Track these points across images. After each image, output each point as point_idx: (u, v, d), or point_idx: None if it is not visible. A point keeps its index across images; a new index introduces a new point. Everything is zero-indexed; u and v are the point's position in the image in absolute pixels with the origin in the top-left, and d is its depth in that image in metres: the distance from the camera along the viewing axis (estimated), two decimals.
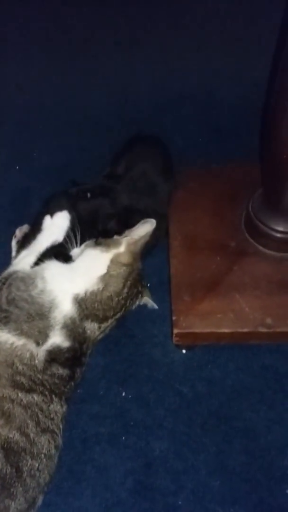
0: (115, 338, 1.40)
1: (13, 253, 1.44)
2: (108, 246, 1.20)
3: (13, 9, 2.39)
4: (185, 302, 1.38)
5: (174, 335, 1.34)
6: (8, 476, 0.96)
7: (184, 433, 1.26)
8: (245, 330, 1.33)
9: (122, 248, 1.18)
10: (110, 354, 1.37)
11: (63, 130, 1.92)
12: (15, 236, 1.46)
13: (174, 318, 1.35)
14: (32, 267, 1.21)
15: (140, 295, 1.24)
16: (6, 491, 0.96)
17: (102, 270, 1.15)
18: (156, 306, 1.30)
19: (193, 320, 1.34)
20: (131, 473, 1.20)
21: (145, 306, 1.30)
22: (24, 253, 1.29)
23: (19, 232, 1.47)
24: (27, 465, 0.99)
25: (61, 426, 1.08)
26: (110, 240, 1.24)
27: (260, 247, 1.47)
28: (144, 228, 1.20)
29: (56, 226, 1.29)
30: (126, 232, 1.25)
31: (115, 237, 1.26)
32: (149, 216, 1.28)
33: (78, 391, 1.26)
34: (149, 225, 1.20)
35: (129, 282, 1.18)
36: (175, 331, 1.34)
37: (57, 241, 1.25)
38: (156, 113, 2.02)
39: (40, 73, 2.11)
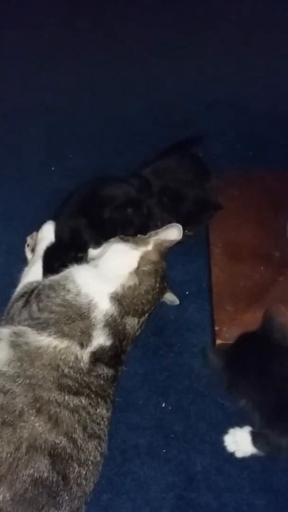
0: (153, 347, 1.42)
1: (29, 260, 1.48)
2: (136, 243, 1.29)
3: (54, 13, 2.49)
4: (227, 312, 1.40)
5: (216, 346, 1.35)
6: (54, 484, 0.97)
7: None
8: None
9: (150, 247, 1.27)
10: (149, 362, 1.38)
11: (98, 132, 1.96)
12: (28, 245, 1.50)
13: (216, 328, 1.37)
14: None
15: (165, 291, 1.31)
16: (51, 500, 0.96)
17: (133, 265, 1.24)
18: (178, 301, 1.35)
19: (236, 332, 1.34)
20: (172, 488, 1.20)
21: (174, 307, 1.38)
22: (30, 263, 1.39)
23: (31, 240, 1.51)
24: (74, 472, 1.00)
25: (106, 432, 1.09)
26: (137, 238, 1.32)
27: None
28: (170, 233, 1.29)
29: (45, 231, 1.45)
30: (152, 233, 1.32)
31: (139, 236, 1.34)
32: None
33: (117, 399, 1.26)
34: (176, 231, 1.28)
35: (159, 278, 1.25)
36: (218, 341, 1.35)
37: (51, 242, 1.41)
38: (192, 118, 2.06)
39: (75, 76, 2.17)
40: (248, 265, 1.49)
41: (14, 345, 1.11)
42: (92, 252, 1.40)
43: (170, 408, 1.31)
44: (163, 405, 1.32)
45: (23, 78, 2.16)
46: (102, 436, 1.07)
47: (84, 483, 1.01)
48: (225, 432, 1.27)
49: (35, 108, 2.03)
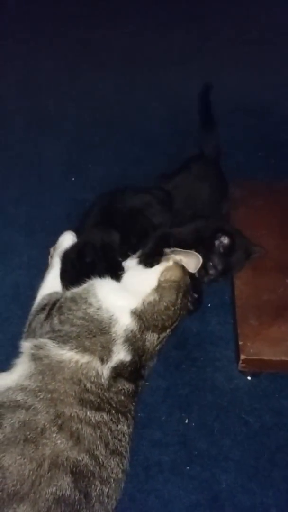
0: (175, 361, 1.41)
1: None
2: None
3: (73, 26, 2.53)
4: (251, 326, 1.38)
5: (240, 361, 1.33)
6: (76, 503, 0.96)
7: (252, 466, 1.24)
8: None
9: (170, 263, 1.26)
10: (172, 377, 1.37)
11: (117, 142, 1.98)
12: (51, 256, 1.50)
13: (240, 343, 1.35)
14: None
15: (187, 307, 1.29)
16: None
17: (154, 283, 1.23)
18: None
19: (261, 347, 1.33)
20: (196, 507, 1.19)
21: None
22: (47, 272, 1.38)
23: (54, 251, 1.50)
24: (96, 490, 0.99)
25: (128, 448, 1.08)
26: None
27: None
28: (189, 261, 1.26)
29: (61, 240, 1.45)
30: (175, 250, 1.30)
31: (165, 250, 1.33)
32: None
33: (140, 415, 1.26)
34: (195, 262, 1.26)
35: (181, 294, 1.24)
36: (242, 357, 1.33)
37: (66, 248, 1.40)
38: None
39: (95, 86, 2.20)
40: (272, 277, 1.46)
41: (35, 358, 1.11)
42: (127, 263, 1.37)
43: (193, 424, 1.30)
44: (186, 421, 1.31)
45: (43, 90, 2.19)
46: (124, 453, 1.06)
47: (106, 501, 1.01)
48: (250, 449, 1.26)
49: (55, 119, 2.07)
